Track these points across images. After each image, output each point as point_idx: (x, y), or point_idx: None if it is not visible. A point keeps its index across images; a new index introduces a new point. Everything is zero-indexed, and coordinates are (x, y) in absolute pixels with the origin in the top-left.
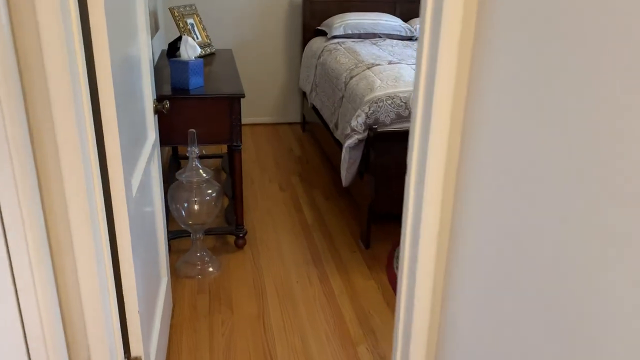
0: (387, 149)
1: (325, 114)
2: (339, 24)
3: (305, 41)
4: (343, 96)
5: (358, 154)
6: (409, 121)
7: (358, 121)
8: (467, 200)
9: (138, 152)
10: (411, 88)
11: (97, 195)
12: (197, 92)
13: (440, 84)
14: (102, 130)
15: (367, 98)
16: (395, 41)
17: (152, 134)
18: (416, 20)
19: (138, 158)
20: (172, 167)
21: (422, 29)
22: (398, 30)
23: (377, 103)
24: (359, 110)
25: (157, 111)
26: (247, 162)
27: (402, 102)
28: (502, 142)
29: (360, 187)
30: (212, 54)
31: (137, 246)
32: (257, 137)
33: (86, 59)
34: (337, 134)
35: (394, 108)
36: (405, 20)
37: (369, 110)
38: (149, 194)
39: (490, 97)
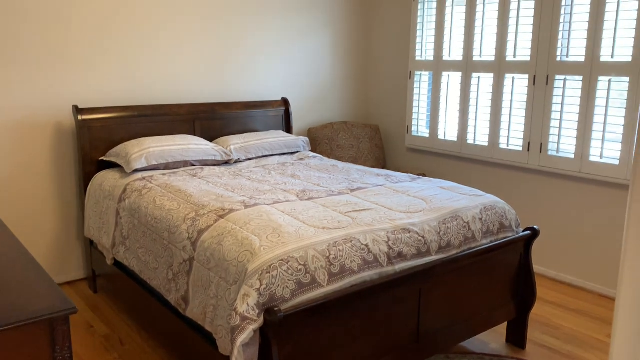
0: (294, 334)
1: (154, 281)
2: (139, 153)
3: (85, 177)
4: (192, 258)
5: (254, 351)
6: (314, 289)
7: (249, 304)
8: None
9: None
10: (305, 242)
11: None
12: None
13: None
14: None
15: (251, 267)
16: (216, 169)
17: None
18: (225, 139)
19: None
20: None
21: None
22: (212, 155)
23: (269, 273)
24: (246, 287)
25: None
26: None
27: (300, 264)
28: None
29: None
30: None
31: None
32: None
33: None
34: (193, 314)
35: (291, 275)
36: (210, 139)
37: (261, 286)
38: None
39: None
